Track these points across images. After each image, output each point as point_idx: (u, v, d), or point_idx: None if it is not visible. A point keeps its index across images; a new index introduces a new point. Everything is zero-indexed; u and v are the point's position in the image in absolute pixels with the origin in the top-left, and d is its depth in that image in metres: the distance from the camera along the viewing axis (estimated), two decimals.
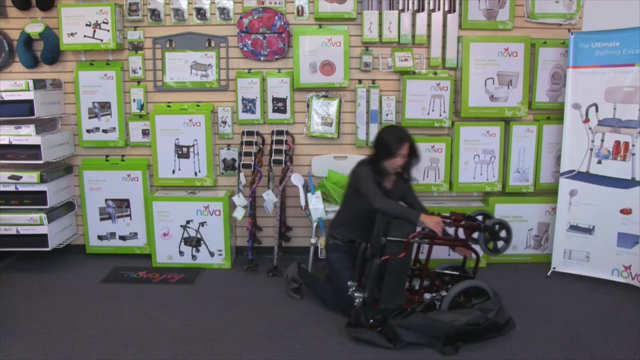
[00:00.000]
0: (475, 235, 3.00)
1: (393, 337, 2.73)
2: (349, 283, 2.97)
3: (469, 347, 2.74)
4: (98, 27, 3.66)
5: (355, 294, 2.89)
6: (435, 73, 3.79)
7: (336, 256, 3.15)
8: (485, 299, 2.94)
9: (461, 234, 3.08)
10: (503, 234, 3.03)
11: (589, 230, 3.56)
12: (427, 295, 2.95)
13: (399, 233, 2.87)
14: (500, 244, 3.04)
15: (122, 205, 3.95)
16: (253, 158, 3.70)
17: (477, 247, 3.04)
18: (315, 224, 3.54)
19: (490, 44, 3.67)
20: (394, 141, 3.01)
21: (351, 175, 3.15)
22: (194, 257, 3.84)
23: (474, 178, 3.85)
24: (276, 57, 3.79)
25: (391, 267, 2.82)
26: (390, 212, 2.90)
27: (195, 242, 3.82)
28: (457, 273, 3.13)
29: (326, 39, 3.72)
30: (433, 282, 3.00)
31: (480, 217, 3.12)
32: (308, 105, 3.85)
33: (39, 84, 3.60)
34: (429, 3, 3.73)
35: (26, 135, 3.58)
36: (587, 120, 3.51)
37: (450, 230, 3.11)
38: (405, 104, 3.74)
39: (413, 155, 3.08)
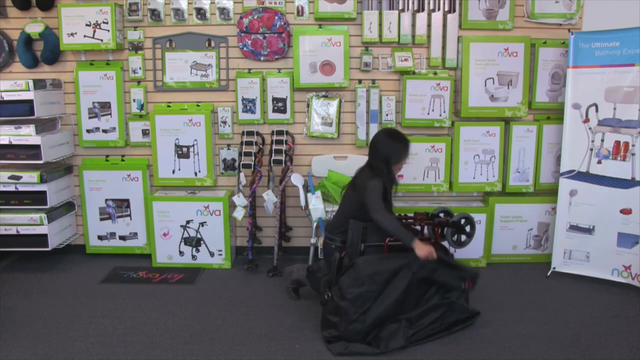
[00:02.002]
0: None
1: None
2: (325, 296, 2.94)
3: (468, 346, 2.75)
4: (98, 27, 3.66)
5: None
6: (435, 73, 3.79)
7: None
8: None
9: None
10: (468, 228, 3.12)
11: (589, 230, 3.56)
12: None
13: (376, 237, 2.90)
14: (463, 237, 3.13)
15: (122, 205, 3.95)
16: (253, 158, 3.70)
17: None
18: (315, 224, 3.54)
19: (490, 44, 3.67)
20: (405, 143, 3.04)
21: (359, 188, 3.00)
22: (194, 257, 3.84)
23: (474, 178, 3.85)
24: (276, 57, 3.79)
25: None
26: (386, 227, 2.84)
27: (195, 242, 3.82)
28: None
29: (326, 39, 3.72)
30: None
31: (442, 214, 3.20)
32: (308, 105, 3.85)
33: (39, 84, 3.60)
34: (429, 3, 3.73)
35: (26, 135, 3.58)
36: (587, 120, 3.51)
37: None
38: (405, 104, 3.74)
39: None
